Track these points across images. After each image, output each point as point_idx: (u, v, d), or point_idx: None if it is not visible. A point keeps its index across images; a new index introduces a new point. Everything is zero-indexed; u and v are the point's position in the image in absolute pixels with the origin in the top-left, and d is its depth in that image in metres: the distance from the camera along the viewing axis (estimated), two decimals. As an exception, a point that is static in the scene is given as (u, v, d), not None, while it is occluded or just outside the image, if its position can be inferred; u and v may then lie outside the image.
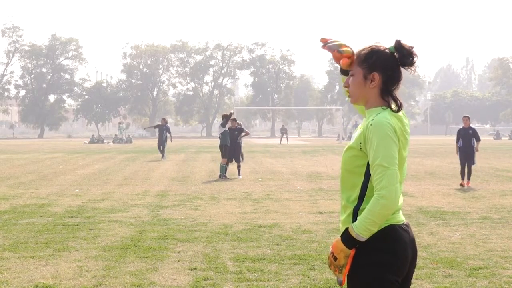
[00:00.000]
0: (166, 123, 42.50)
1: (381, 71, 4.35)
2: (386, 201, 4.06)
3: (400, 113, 4.38)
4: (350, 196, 4.38)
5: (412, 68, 4.37)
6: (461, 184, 23.12)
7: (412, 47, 4.36)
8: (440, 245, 12.02)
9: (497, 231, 13.76)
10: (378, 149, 4.14)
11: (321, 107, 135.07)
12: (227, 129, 27.77)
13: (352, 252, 4.25)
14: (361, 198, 4.31)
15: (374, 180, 4.15)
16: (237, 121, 28.89)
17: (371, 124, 4.21)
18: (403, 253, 4.25)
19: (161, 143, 41.46)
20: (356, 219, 4.24)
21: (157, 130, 43.68)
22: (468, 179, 23.33)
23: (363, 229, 4.13)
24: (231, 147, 27.82)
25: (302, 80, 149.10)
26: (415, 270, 4.59)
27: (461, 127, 24.02)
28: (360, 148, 4.29)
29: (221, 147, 27.77)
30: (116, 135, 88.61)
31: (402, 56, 4.34)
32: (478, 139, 23.55)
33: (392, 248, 4.22)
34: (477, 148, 23.74)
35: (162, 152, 41.44)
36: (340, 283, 4.35)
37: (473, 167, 23.90)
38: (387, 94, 4.37)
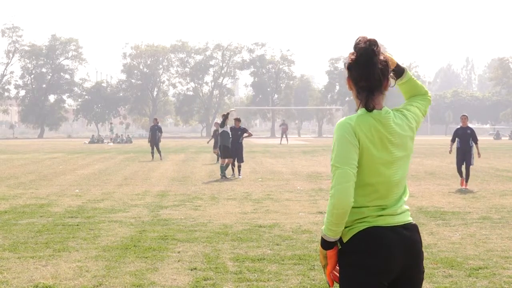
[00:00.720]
0: (158, 123, 42.37)
1: (348, 73, 4.44)
2: (333, 200, 4.12)
3: (391, 114, 4.39)
4: None
5: (379, 60, 4.34)
6: (462, 185, 22.55)
7: (366, 40, 4.36)
8: (440, 245, 12.02)
9: (497, 231, 13.76)
10: (333, 149, 4.25)
11: (321, 107, 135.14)
12: (226, 130, 27.73)
13: (329, 253, 4.33)
14: None
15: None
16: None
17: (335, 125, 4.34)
18: (383, 255, 4.23)
19: (154, 143, 41.30)
20: None
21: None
22: (466, 181, 22.57)
23: (326, 229, 4.24)
24: (233, 147, 27.81)
25: (302, 80, 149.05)
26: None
27: (459, 126, 23.42)
28: None
29: (220, 147, 27.80)
30: (116, 134, 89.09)
31: (357, 52, 4.36)
32: (476, 141, 22.79)
33: (372, 249, 4.22)
34: (479, 153, 23.14)
35: (159, 152, 41.25)
36: (328, 284, 4.44)
37: (471, 167, 23.11)
38: (359, 93, 4.40)
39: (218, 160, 37.21)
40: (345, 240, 4.29)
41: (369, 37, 4.39)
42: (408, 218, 4.44)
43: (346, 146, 4.19)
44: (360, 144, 4.24)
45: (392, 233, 4.29)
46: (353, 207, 4.26)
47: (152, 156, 41.26)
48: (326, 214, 4.21)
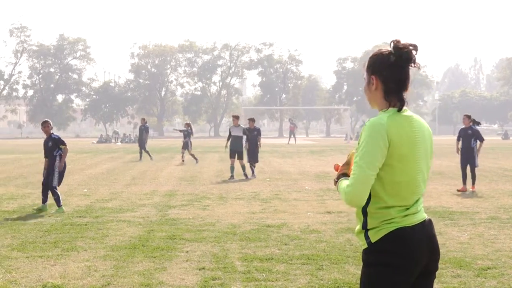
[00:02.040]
0: (146, 123, 41.92)
1: (378, 73, 4.47)
2: (348, 196, 4.28)
3: (412, 115, 4.49)
4: None
5: (415, 65, 4.44)
6: (460, 190, 21.62)
7: (408, 45, 4.42)
8: (449, 245, 12.01)
9: (506, 231, 13.74)
10: (361, 146, 4.31)
11: (329, 107, 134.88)
12: (238, 134, 27.34)
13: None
14: (368, 198, 4.38)
15: (351, 173, 4.34)
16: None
17: (365, 124, 4.38)
18: (411, 255, 4.33)
19: (141, 144, 40.73)
20: (366, 220, 4.42)
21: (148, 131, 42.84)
22: (473, 183, 21.85)
23: (340, 188, 4.45)
24: (249, 147, 27.65)
25: (310, 80, 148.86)
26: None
27: (462, 126, 22.51)
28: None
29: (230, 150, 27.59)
30: (124, 134, 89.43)
31: (397, 55, 4.42)
32: (480, 140, 21.97)
33: (399, 250, 4.32)
34: (479, 149, 22.10)
35: (146, 152, 40.58)
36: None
37: (476, 169, 22.36)
38: (389, 94, 4.46)
39: (183, 160, 37.20)
40: (373, 240, 4.38)
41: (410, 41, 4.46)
42: (424, 215, 4.56)
43: (374, 148, 4.27)
44: (392, 144, 4.31)
45: (416, 232, 4.40)
46: (382, 208, 4.37)
47: (141, 156, 40.71)
48: (345, 185, 4.38)
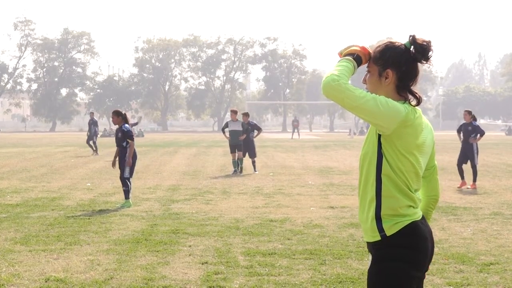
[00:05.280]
0: (93, 117, 41.54)
1: (395, 67, 4.35)
2: (334, 83, 4.40)
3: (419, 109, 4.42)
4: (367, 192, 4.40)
5: (429, 63, 4.38)
6: (460, 186, 21.28)
7: (428, 42, 4.35)
8: (452, 241, 12.00)
9: (509, 226, 13.72)
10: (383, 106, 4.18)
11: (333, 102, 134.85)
12: (235, 128, 27.13)
13: None
14: (378, 196, 4.32)
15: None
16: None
17: None
18: (425, 249, 4.30)
19: (90, 138, 40.07)
20: (380, 206, 4.29)
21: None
22: (474, 180, 21.28)
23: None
24: (244, 142, 27.38)
25: (314, 75, 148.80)
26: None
27: (463, 122, 22.10)
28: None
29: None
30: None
31: (417, 51, 4.34)
32: (481, 134, 21.33)
33: (415, 244, 4.26)
34: (472, 139, 21.33)
35: (95, 147, 39.96)
36: None
37: (477, 166, 21.77)
38: (403, 89, 4.37)
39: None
40: (389, 233, 4.27)
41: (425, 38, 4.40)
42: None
43: (391, 103, 4.18)
44: (421, 136, 4.29)
45: (424, 226, 4.37)
46: (405, 198, 4.27)
47: (92, 149, 40.01)
48: (342, 66, 4.43)
